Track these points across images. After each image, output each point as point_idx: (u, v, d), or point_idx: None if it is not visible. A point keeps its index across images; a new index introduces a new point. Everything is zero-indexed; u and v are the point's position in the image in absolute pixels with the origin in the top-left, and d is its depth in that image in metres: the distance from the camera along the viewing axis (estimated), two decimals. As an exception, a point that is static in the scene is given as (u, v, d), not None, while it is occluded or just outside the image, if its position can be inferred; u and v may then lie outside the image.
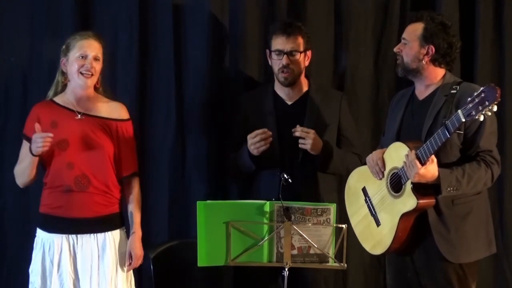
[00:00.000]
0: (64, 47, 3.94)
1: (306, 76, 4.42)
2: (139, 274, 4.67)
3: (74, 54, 3.89)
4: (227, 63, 4.81)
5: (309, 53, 4.37)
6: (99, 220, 3.91)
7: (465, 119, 3.39)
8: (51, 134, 3.75)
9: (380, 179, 3.75)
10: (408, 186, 3.61)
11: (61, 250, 3.86)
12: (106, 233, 3.93)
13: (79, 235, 3.88)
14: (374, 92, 4.92)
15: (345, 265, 3.74)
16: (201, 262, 3.71)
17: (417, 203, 3.57)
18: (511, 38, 4.91)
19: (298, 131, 4.18)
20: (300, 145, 4.19)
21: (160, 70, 4.74)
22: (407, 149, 3.58)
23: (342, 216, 4.28)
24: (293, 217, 3.69)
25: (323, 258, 3.72)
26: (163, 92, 4.73)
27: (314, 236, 3.70)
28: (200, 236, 3.69)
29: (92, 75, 3.89)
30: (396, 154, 3.65)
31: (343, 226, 3.70)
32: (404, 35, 3.79)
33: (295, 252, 3.71)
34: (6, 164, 4.34)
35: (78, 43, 3.90)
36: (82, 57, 3.88)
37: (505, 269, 4.83)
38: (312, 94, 4.37)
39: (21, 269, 4.02)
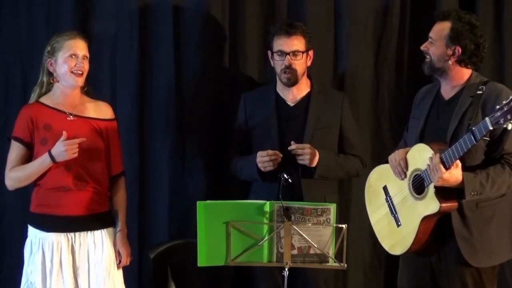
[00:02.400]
0: (49, 48, 3.94)
1: (308, 77, 4.42)
2: (139, 274, 4.68)
3: (63, 54, 3.89)
4: (227, 63, 4.81)
5: (311, 53, 4.37)
6: (95, 217, 3.94)
7: (492, 127, 3.32)
8: (84, 139, 3.79)
9: (402, 179, 3.72)
10: (431, 189, 3.56)
11: (60, 248, 3.87)
12: (102, 230, 3.95)
13: (76, 233, 3.90)
14: (374, 93, 4.91)
15: (345, 265, 3.73)
16: (201, 262, 3.71)
17: (440, 206, 3.53)
18: (511, 38, 4.91)
19: (294, 148, 4.18)
20: (298, 161, 4.20)
21: (160, 70, 4.74)
22: (431, 151, 3.53)
23: (342, 216, 4.28)
24: (293, 217, 3.69)
25: (323, 258, 3.72)
26: (163, 92, 4.73)
27: (314, 236, 3.70)
28: (200, 236, 3.69)
29: (82, 73, 3.91)
30: (420, 156, 3.61)
31: (343, 226, 3.69)
32: (431, 34, 3.73)
33: (295, 252, 3.70)
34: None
35: (66, 43, 3.90)
36: (72, 56, 3.89)
37: (505, 271, 4.82)
38: (314, 95, 4.37)
39: (21, 269, 4.01)
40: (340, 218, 3.98)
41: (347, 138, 4.39)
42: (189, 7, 4.74)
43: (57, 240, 3.87)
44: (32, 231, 3.94)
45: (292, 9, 4.84)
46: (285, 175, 3.83)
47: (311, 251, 3.71)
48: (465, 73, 3.70)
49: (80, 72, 3.90)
